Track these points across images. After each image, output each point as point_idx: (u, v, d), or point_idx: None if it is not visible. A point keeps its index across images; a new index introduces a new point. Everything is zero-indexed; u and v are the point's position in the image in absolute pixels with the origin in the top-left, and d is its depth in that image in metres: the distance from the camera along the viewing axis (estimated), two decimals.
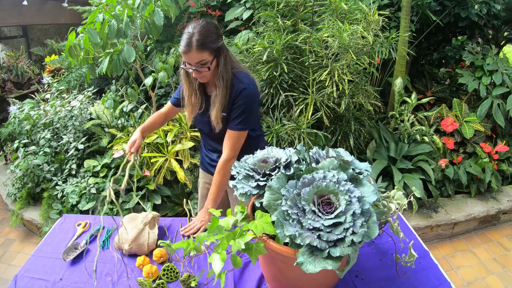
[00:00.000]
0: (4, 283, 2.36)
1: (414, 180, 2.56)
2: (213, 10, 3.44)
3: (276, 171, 1.01)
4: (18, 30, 5.77)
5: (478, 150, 2.97)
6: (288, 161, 1.03)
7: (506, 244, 2.65)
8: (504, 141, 3.04)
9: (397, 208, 1.05)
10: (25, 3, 4.04)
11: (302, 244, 0.84)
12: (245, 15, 3.06)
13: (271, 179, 0.98)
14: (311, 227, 0.85)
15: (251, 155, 1.11)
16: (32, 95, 3.97)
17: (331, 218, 0.85)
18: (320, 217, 0.86)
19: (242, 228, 0.88)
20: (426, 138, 2.83)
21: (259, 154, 1.09)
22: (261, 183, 1.00)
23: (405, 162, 2.72)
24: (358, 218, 0.85)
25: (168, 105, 1.71)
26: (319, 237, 0.84)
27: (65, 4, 3.89)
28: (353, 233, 0.84)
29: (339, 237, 0.83)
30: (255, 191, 1.00)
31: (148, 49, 3.48)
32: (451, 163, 2.88)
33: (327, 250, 0.83)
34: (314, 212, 0.87)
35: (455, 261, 2.50)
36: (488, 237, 2.74)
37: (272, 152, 1.08)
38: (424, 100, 2.98)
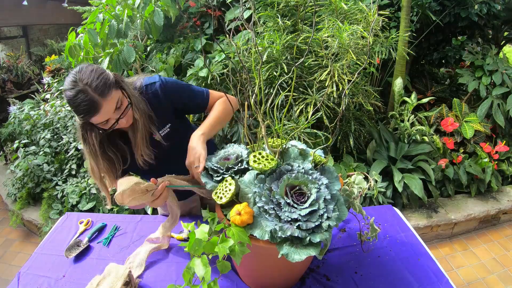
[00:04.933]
0: (4, 283, 2.36)
1: (414, 180, 2.56)
2: (213, 10, 3.44)
3: (239, 165, 1.07)
4: (18, 30, 5.76)
5: (478, 150, 2.97)
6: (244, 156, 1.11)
7: (506, 244, 2.65)
8: (504, 141, 3.04)
9: (359, 192, 1.12)
10: (25, 3, 4.05)
11: (283, 236, 0.87)
12: (245, 15, 3.06)
13: (241, 174, 1.05)
14: (289, 219, 0.88)
15: (213, 155, 1.16)
16: (32, 95, 3.97)
17: (306, 208, 0.89)
18: (295, 208, 0.90)
19: (220, 237, 0.88)
20: (426, 138, 2.83)
21: (221, 152, 1.15)
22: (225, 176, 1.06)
23: (405, 162, 2.72)
24: (329, 203, 0.91)
25: None
26: (298, 227, 0.87)
27: (65, 4, 3.89)
28: (328, 218, 0.89)
29: (316, 224, 0.87)
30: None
31: (148, 49, 3.48)
32: (451, 163, 2.88)
33: (308, 238, 0.86)
34: (289, 204, 0.91)
35: (455, 261, 2.50)
36: (488, 237, 2.74)
37: (233, 149, 1.16)
38: (424, 100, 2.98)
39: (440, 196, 2.84)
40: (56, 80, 3.96)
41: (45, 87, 3.96)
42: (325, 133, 2.51)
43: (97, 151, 1.16)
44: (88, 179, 2.74)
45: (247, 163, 1.07)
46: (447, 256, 2.55)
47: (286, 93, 2.47)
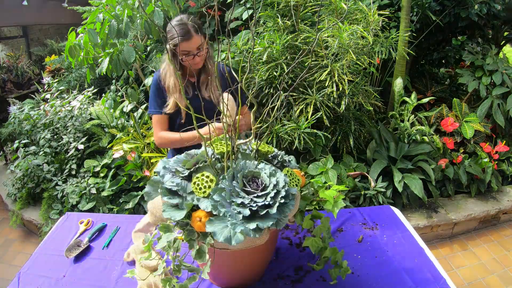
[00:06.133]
0: (4, 283, 2.36)
1: (414, 180, 2.56)
2: (217, 9, 3.44)
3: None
4: (18, 30, 5.76)
5: (478, 150, 2.97)
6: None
7: (506, 244, 2.65)
8: (504, 141, 3.04)
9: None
10: (25, 3, 4.04)
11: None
12: (245, 15, 3.06)
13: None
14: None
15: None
16: (32, 95, 3.98)
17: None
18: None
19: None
20: (426, 138, 2.83)
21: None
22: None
23: (405, 162, 2.72)
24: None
25: (162, 120, 1.68)
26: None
27: (65, 4, 3.89)
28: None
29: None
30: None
31: (148, 49, 3.48)
32: (451, 163, 2.88)
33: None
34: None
35: (455, 261, 2.50)
36: (488, 237, 2.74)
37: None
38: (424, 100, 2.98)
39: (440, 196, 2.84)
40: (56, 80, 3.96)
41: (45, 87, 3.96)
42: (325, 133, 2.51)
43: (173, 71, 1.58)
44: (88, 179, 2.74)
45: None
46: (447, 256, 2.55)
47: (286, 94, 2.47)
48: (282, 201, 0.91)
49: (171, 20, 1.56)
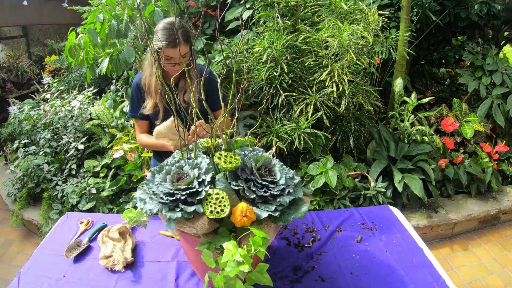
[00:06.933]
0: (4, 283, 2.36)
1: (414, 180, 2.56)
2: (213, 10, 3.44)
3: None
4: (18, 30, 5.76)
5: (478, 150, 2.97)
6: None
7: (506, 244, 2.65)
8: (504, 141, 3.04)
9: None
10: (25, 3, 4.04)
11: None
12: (245, 15, 3.06)
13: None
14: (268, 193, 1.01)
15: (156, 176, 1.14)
16: (32, 95, 3.97)
17: (278, 180, 1.04)
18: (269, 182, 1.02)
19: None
20: (426, 138, 2.83)
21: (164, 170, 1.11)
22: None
23: (405, 162, 2.72)
24: (289, 182, 1.06)
25: (142, 124, 1.72)
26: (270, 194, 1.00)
27: (65, 4, 3.89)
28: (289, 193, 1.03)
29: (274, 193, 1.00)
30: None
31: (148, 49, 3.48)
32: (451, 163, 2.88)
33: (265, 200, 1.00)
34: (266, 180, 1.03)
35: (455, 261, 2.50)
36: (488, 237, 2.74)
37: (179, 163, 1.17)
38: (424, 100, 2.98)
39: (440, 196, 2.84)
40: (56, 80, 3.96)
41: (45, 87, 3.96)
42: (325, 133, 2.51)
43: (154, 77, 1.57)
44: (88, 179, 2.74)
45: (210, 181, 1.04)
46: (447, 256, 2.55)
47: (286, 93, 2.47)
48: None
49: (163, 19, 1.53)
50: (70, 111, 3.15)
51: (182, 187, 0.98)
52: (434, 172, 2.69)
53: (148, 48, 1.60)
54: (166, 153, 1.73)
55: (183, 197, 0.96)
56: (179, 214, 0.94)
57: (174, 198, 0.96)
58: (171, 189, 0.98)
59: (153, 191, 1.00)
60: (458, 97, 3.47)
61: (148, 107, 1.63)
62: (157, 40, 1.45)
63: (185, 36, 1.48)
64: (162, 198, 0.97)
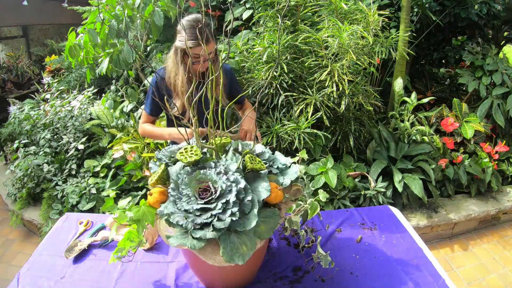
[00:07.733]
0: (4, 283, 2.36)
1: (414, 180, 2.56)
2: (213, 10, 3.44)
3: None
4: (18, 30, 5.76)
5: (478, 150, 2.97)
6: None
7: (506, 244, 2.65)
8: (504, 141, 3.04)
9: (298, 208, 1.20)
10: (25, 3, 4.04)
11: (173, 222, 0.91)
12: (245, 15, 3.06)
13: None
14: (183, 209, 0.92)
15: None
16: (32, 95, 3.97)
17: (201, 203, 0.91)
18: (193, 201, 0.93)
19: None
20: (426, 138, 2.83)
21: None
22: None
23: (405, 162, 2.72)
24: (231, 207, 0.90)
25: (150, 119, 1.76)
26: (186, 218, 0.90)
27: (65, 4, 3.89)
28: (219, 219, 0.89)
29: (206, 221, 0.89)
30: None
31: (148, 49, 3.48)
32: (451, 163, 2.88)
33: (190, 230, 0.89)
34: (188, 196, 0.93)
35: (455, 261, 2.50)
36: (488, 237, 2.74)
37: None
38: (424, 100, 2.98)
39: (440, 196, 2.84)
40: (56, 80, 3.96)
41: (45, 87, 3.96)
42: (325, 133, 2.51)
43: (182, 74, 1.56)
44: (88, 179, 2.74)
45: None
46: (447, 256, 2.55)
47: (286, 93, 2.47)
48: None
49: (186, 17, 1.49)
50: (70, 111, 3.15)
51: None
52: (434, 172, 2.69)
53: (173, 45, 1.56)
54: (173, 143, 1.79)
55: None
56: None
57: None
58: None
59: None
60: (458, 97, 3.47)
61: (177, 107, 1.60)
62: (184, 39, 1.37)
63: (212, 34, 1.47)
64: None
